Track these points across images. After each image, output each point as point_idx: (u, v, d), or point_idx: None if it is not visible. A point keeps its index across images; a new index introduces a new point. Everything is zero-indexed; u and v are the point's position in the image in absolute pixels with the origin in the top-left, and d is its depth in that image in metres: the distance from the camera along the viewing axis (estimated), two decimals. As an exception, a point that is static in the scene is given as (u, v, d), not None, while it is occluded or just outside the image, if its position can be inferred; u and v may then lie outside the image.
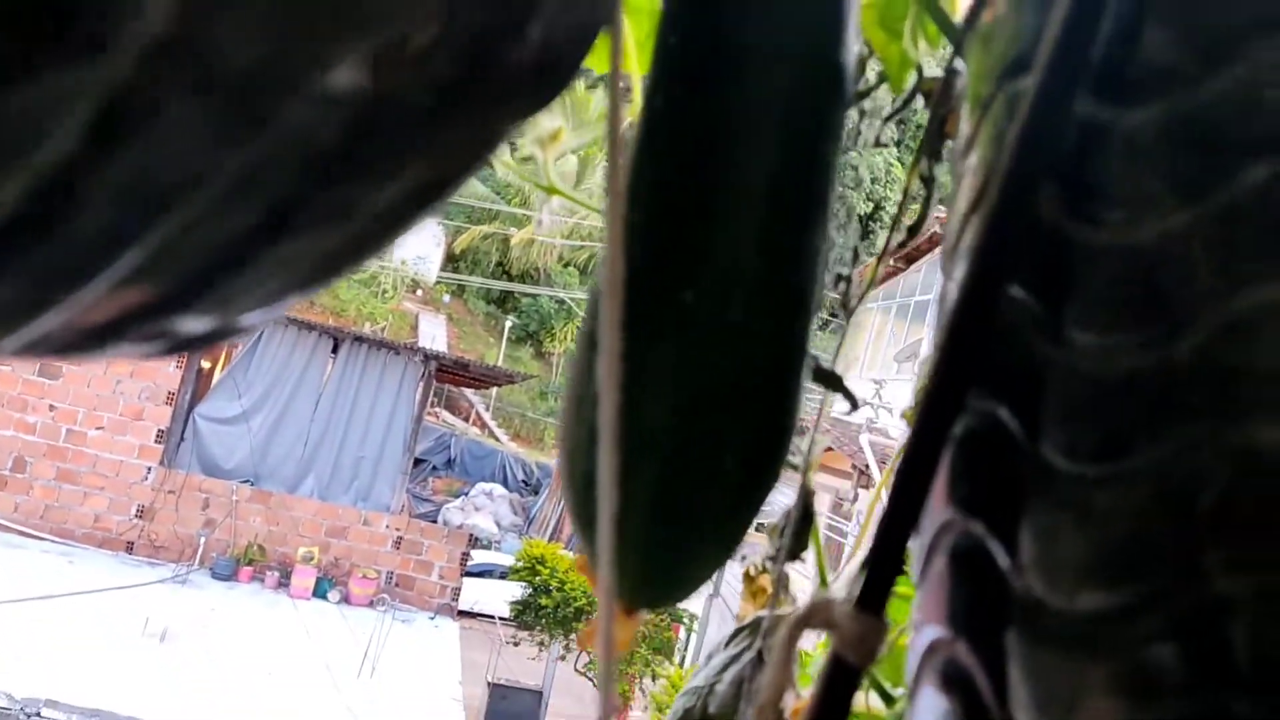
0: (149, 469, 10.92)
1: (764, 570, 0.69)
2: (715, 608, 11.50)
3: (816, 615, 0.34)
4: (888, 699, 0.65)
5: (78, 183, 0.21)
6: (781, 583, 0.63)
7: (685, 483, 0.39)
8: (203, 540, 10.88)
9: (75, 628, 8.05)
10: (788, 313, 0.39)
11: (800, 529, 0.52)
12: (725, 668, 0.64)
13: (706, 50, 0.38)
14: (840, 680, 0.34)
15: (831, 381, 0.50)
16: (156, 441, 10.94)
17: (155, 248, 0.23)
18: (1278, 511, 0.27)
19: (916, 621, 0.39)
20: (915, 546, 0.40)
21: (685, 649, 12.11)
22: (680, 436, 0.38)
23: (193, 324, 0.28)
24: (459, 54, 0.24)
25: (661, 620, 11.34)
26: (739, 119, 0.38)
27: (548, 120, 0.49)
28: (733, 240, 0.38)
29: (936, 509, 0.38)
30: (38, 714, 6.62)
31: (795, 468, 0.53)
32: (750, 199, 0.38)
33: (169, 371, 10.85)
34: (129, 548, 10.84)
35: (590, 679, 11.46)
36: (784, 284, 0.38)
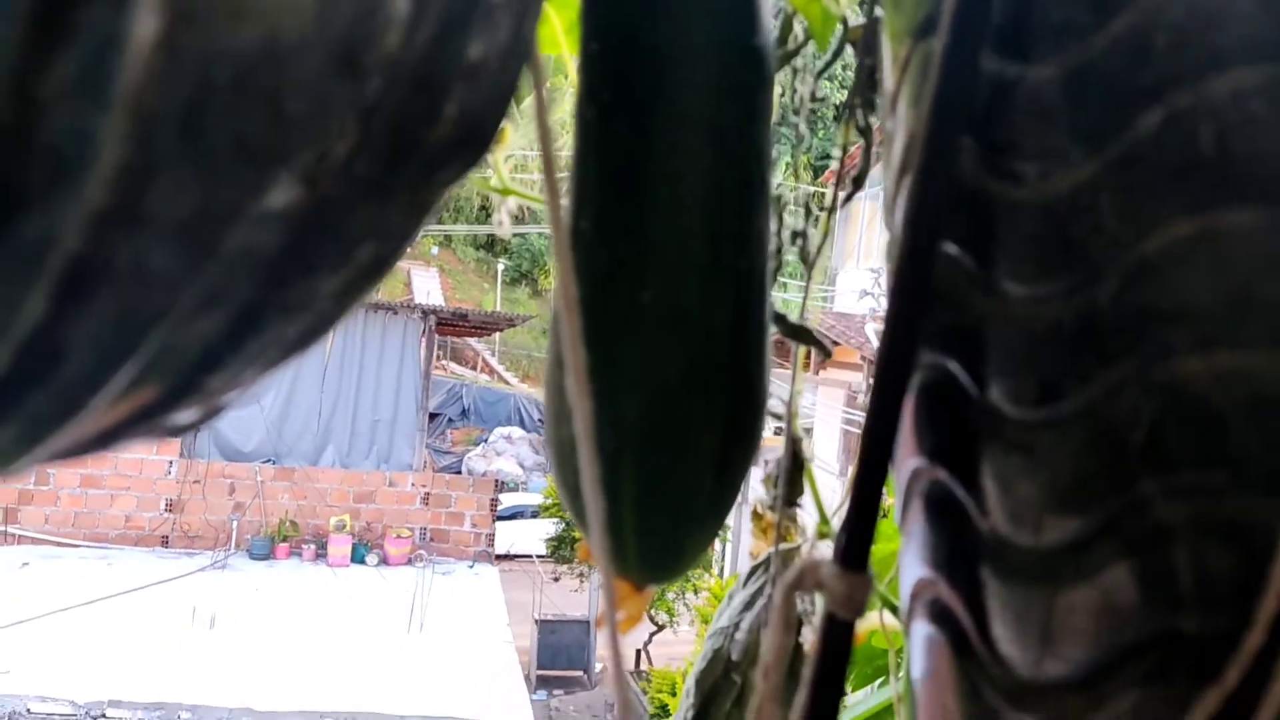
0: (170, 463, 11.01)
1: (771, 508, 0.72)
2: (744, 515, 11.65)
3: (806, 578, 0.36)
4: (898, 614, 0.68)
5: (55, 338, 0.23)
6: (789, 517, 0.65)
7: (667, 466, 0.41)
8: (235, 524, 11.01)
9: (125, 626, 8.20)
10: (741, 291, 0.41)
11: (792, 476, 0.55)
12: (746, 606, 0.66)
13: (626, 54, 0.39)
14: (835, 636, 0.37)
15: (802, 335, 0.52)
16: (173, 435, 11.01)
17: (143, 365, 0.25)
18: (1203, 441, 0.29)
19: (903, 563, 0.42)
20: (897, 493, 0.43)
21: (722, 560, 12.30)
22: (655, 425, 0.40)
23: (183, 416, 0.30)
24: (380, 151, 0.26)
25: (696, 537, 11.49)
26: (667, 117, 0.39)
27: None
28: (678, 235, 0.39)
29: (908, 458, 0.41)
30: (103, 715, 6.78)
31: (779, 418, 0.55)
32: (689, 193, 0.39)
33: (173, 365, 10.87)
34: (164, 542, 10.98)
35: (634, 602, 11.65)
36: (734, 268, 0.40)
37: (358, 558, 11.16)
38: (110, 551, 10.54)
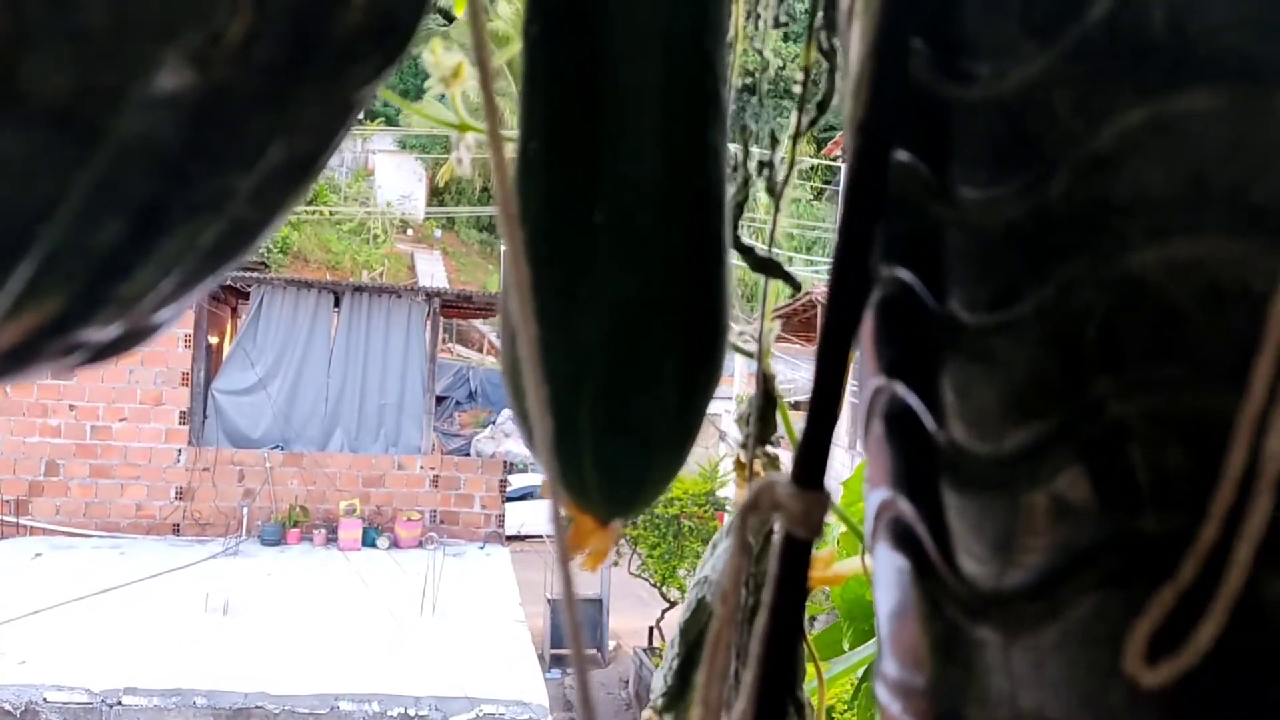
0: (179, 451, 11.04)
1: (755, 454, 0.71)
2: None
3: (762, 499, 0.36)
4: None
5: (-65, 228, 0.22)
6: (769, 457, 0.64)
7: (627, 394, 0.40)
8: (245, 511, 11.04)
9: (139, 614, 8.24)
10: (697, 213, 0.40)
11: (764, 414, 0.54)
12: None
13: (571, -33, 0.38)
14: (794, 555, 0.36)
15: (771, 269, 0.51)
16: (181, 423, 11.04)
17: (36, 269, 0.24)
18: (1157, 334, 0.28)
19: (866, 485, 0.41)
20: (858, 414, 0.42)
21: (732, 535, 12.27)
22: (614, 352, 0.39)
23: (102, 332, 0.29)
24: (281, 36, 0.24)
25: (705, 511, 11.51)
26: (615, 30, 0.38)
27: (449, 56, 0.49)
28: (630, 152, 0.38)
29: (869, 376, 0.40)
30: (119, 703, 6.83)
31: (750, 355, 0.54)
32: (640, 108, 0.38)
33: (179, 353, 10.89)
34: (175, 529, 11.02)
35: (645, 579, 11.70)
36: (688, 186, 0.39)
37: (369, 541, 11.19)
38: (122, 541, 10.58)
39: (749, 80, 0.60)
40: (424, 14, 0.28)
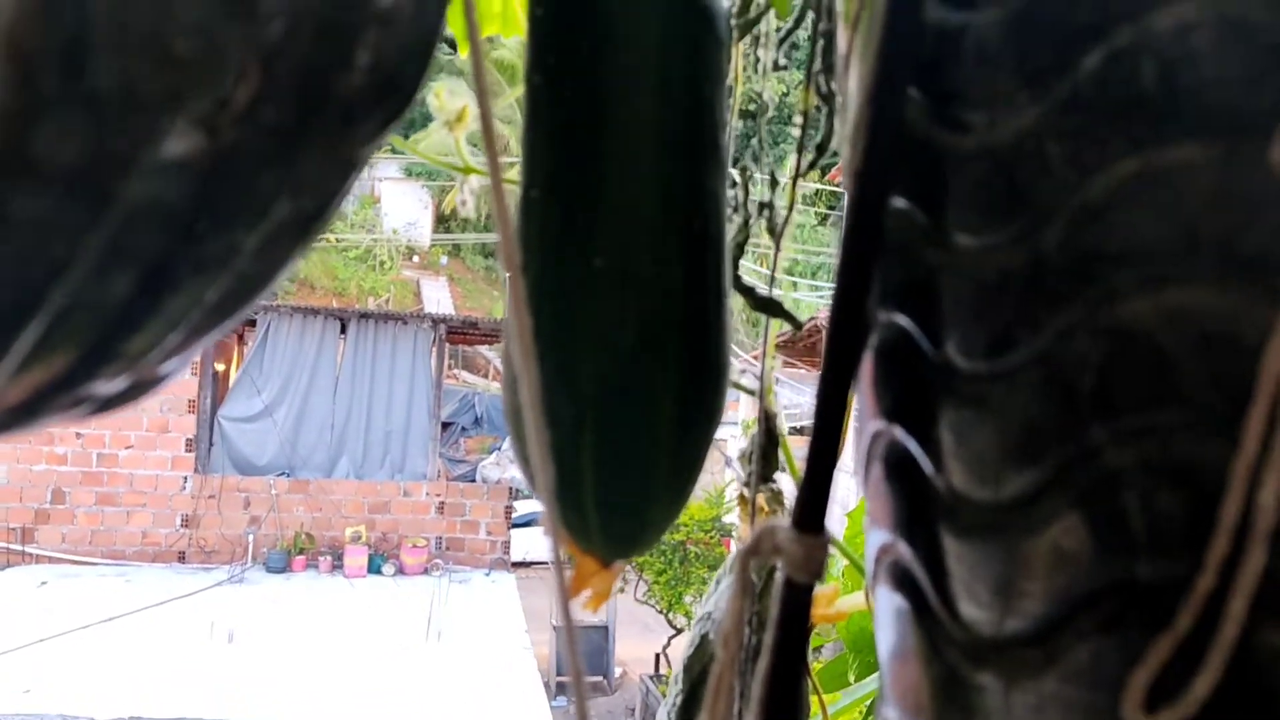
0: (185, 478, 11.04)
1: (758, 491, 0.71)
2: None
3: (763, 544, 0.36)
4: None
5: (-53, 291, 0.22)
6: (773, 494, 0.65)
7: (627, 437, 0.40)
8: (251, 538, 11.03)
9: (144, 643, 8.22)
10: (697, 257, 0.40)
11: (766, 452, 0.54)
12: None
13: (571, 16, 0.39)
14: (795, 599, 0.36)
15: (772, 309, 0.51)
16: (187, 450, 11.04)
17: (44, 328, 0.25)
18: (1150, 383, 0.29)
19: (866, 527, 0.41)
20: (857, 457, 0.42)
21: (738, 561, 12.21)
22: (612, 391, 0.40)
23: (109, 385, 0.29)
24: (286, 98, 0.25)
25: (711, 537, 11.47)
26: (615, 78, 0.39)
27: (453, 100, 0.50)
28: (630, 198, 0.39)
29: (869, 419, 0.40)
30: (125, 731, 6.80)
31: (752, 392, 0.54)
32: (640, 155, 0.39)
33: (186, 380, 10.92)
34: (181, 557, 11.01)
35: (651, 605, 11.65)
36: (688, 229, 0.40)
37: (374, 568, 11.16)
38: (128, 568, 10.57)
39: (749, 110, 0.61)
40: (427, 73, 0.29)
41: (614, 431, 0.40)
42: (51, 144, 0.21)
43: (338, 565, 11.11)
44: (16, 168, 0.21)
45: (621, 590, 12.21)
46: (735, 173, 0.51)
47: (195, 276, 0.27)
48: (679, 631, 11.38)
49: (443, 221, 26.99)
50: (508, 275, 0.35)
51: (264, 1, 0.23)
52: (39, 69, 0.21)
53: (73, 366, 0.27)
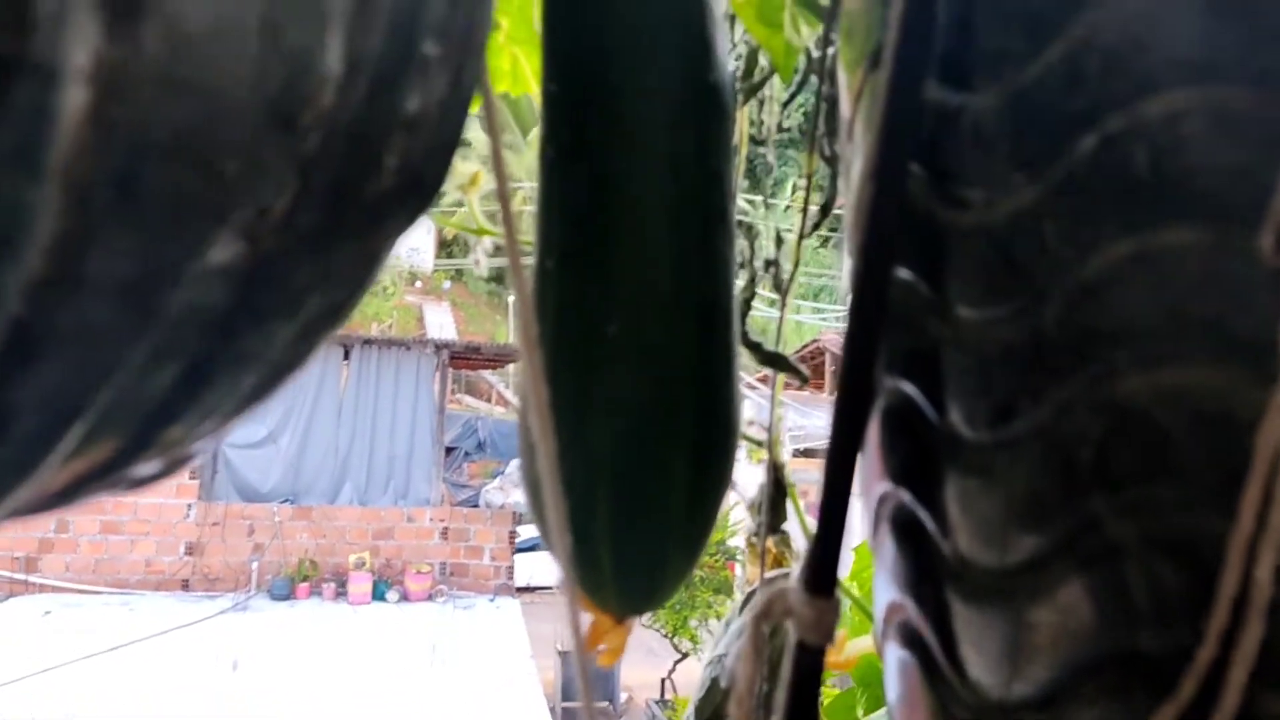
0: (189, 506, 11.03)
1: (756, 535, 0.72)
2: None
3: (774, 606, 0.37)
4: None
5: (3, 400, 0.23)
6: (782, 542, 0.66)
7: (639, 497, 0.41)
8: (255, 565, 11.02)
9: (149, 672, 8.20)
10: (707, 321, 0.42)
11: (775, 503, 0.55)
12: (740, 636, 0.67)
13: (584, 94, 0.40)
14: (807, 662, 0.37)
15: (778, 363, 0.52)
16: (191, 478, 11.04)
17: (89, 426, 0.26)
18: (1148, 458, 0.30)
19: (875, 587, 0.42)
20: (866, 517, 0.43)
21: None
22: (626, 456, 0.41)
23: (145, 468, 0.31)
24: (321, 204, 0.26)
25: (716, 560, 11.44)
26: (625, 155, 0.40)
27: (465, 165, 0.51)
28: (641, 269, 0.40)
29: (876, 482, 0.41)
30: (129, 762, 6.77)
31: (760, 444, 0.56)
32: (650, 227, 0.40)
33: (189, 408, 10.90)
34: (185, 585, 10.99)
35: (656, 630, 11.60)
36: (698, 297, 0.41)
37: (378, 595, 11.14)
38: (131, 597, 10.55)
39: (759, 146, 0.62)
40: (448, 171, 0.30)
41: (629, 495, 0.41)
42: (104, 263, 0.22)
43: (342, 592, 11.08)
44: (70, 286, 0.22)
45: (626, 615, 12.11)
46: (741, 231, 0.52)
47: (232, 369, 0.28)
48: (685, 656, 11.32)
49: (445, 247, 27.07)
50: (524, 348, 0.36)
51: (303, 116, 0.25)
52: (94, 197, 0.22)
53: (114, 456, 0.28)
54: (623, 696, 12.17)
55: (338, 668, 8.68)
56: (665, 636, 11.56)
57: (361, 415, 11.97)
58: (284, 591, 10.96)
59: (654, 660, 12.28)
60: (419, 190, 0.29)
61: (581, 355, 0.40)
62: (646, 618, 11.45)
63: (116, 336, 0.24)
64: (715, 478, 0.43)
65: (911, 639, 0.38)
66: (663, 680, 11.60)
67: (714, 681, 0.69)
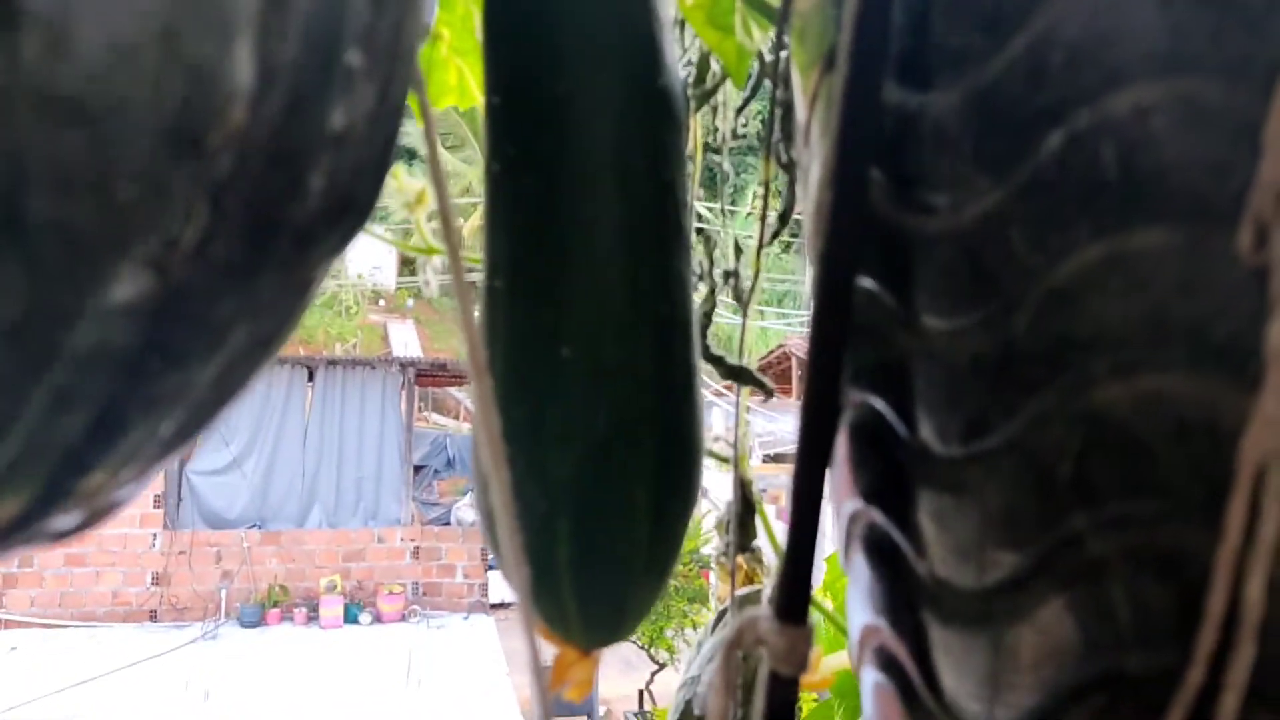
0: (154, 535, 10.88)
1: (725, 554, 0.71)
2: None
3: (745, 636, 0.35)
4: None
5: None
6: (753, 559, 0.64)
7: (601, 525, 0.40)
8: (224, 593, 10.88)
9: (119, 705, 8.07)
10: (664, 338, 0.40)
11: (744, 521, 0.53)
12: (712, 658, 0.65)
13: (528, 106, 0.38)
14: (780, 692, 0.35)
15: (742, 376, 0.51)
16: (155, 507, 10.89)
17: (-8, 478, 0.24)
18: (1128, 471, 0.28)
19: (849, 608, 0.40)
20: (838, 536, 0.41)
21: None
22: (586, 483, 0.39)
23: (64, 521, 0.28)
24: (238, 231, 0.24)
25: (690, 570, 11.41)
26: (575, 166, 0.38)
27: (412, 183, 0.50)
28: (595, 286, 0.38)
29: (847, 500, 0.39)
30: (101, 797, 6.66)
31: (726, 460, 0.54)
32: (603, 242, 0.38)
33: (152, 436, 10.77)
34: (153, 616, 10.83)
35: (633, 641, 11.57)
36: (655, 313, 0.39)
37: (350, 618, 11.03)
38: (99, 630, 10.38)
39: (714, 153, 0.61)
40: (381, 190, 0.28)
41: (589, 522, 0.39)
42: (-11, 304, 0.20)
43: (313, 617, 10.97)
44: (-47, 329, 0.20)
45: (602, 628, 12.06)
46: (700, 241, 0.50)
47: (150, 412, 0.26)
48: (661, 667, 11.28)
49: (407, 264, 26.92)
50: (473, 375, 0.34)
51: (210, 136, 0.23)
52: (-27, 229, 0.20)
53: (26, 510, 0.26)
54: (601, 710, 12.11)
55: (312, 693, 8.58)
56: (641, 648, 11.51)
57: (328, 437, 11.87)
58: (254, 618, 10.83)
59: (631, 672, 12.24)
60: (350, 211, 0.27)
61: (535, 380, 0.38)
62: (622, 630, 11.40)
63: (13, 382, 0.22)
64: (680, 501, 0.41)
65: (888, 663, 0.36)
66: (640, 692, 11.55)
67: (687, 704, 0.67)
